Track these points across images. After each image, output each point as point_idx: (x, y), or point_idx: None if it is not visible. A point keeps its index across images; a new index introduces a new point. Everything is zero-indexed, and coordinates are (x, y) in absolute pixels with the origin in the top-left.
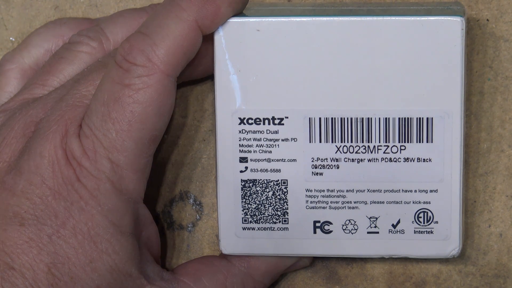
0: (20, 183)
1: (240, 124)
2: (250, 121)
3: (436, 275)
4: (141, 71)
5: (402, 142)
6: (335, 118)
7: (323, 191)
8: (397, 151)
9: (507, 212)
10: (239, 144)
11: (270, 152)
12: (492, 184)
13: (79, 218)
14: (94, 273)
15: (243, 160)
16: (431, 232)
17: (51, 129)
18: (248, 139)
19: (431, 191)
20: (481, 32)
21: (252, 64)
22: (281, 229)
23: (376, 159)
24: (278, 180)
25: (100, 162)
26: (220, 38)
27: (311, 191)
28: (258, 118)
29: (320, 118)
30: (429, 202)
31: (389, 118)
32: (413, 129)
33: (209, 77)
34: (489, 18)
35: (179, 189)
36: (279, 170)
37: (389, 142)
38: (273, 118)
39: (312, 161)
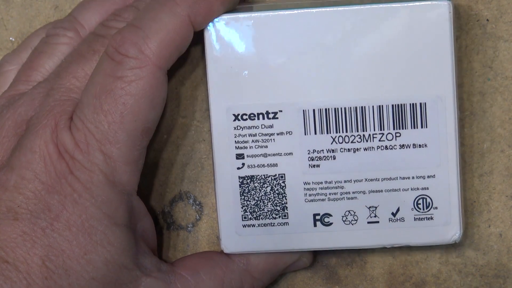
0: (12, 179)
1: (234, 120)
2: (244, 116)
3: (436, 275)
4: (133, 63)
5: (397, 129)
6: (328, 109)
7: (321, 183)
8: (392, 138)
9: (507, 212)
10: (235, 141)
11: (266, 147)
12: (492, 184)
13: (72, 210)
14: (89, 265)
15: (239, 156)
16: (431, 219)
17: (41, 124)
18: (244, 135)
19: (428, 176)
20: (481, 32)
21: (243, 59)
22: (281, 224)
23: (372, 147)
24: (276, 174)
25: (93, 154)
26: (210, 35)
27: (309, 184)
28: (252, 114)
29: (314, 110)
30: (427, 188)
31: (382, 105)
32: (407, 115)
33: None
34: (489, 18)
35: (179, 189)
36: (276, 165)
37: (384, 130)
38: (267, 113)
39: (308, 153)
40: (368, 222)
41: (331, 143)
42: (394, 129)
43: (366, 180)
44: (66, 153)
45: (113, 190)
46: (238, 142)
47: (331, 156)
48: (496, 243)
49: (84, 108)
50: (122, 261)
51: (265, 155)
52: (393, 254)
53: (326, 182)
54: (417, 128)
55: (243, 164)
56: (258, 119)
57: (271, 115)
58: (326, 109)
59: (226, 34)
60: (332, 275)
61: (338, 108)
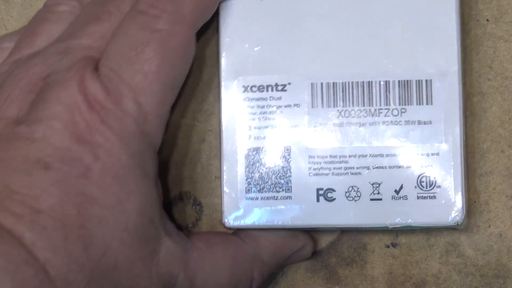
0: (39, 130)
1: (244, 92)
2: (253, 88)
3: (436, 275)
4: (172, 18)
5: (402, 105)
6: (336, 82)
7: (326, 157)
8: (397, 114)
9: (507, 212)
10: (243, 113)
11: (274, 119)
12: (492, 184)
13: (106, 159)
14: (122, 214)
15: (247, 128)
16: (434, 197)
17: (66, 77)
18: (252, 107)
19: (432, 154)
20: (481, 32)
21: (255, 33)
22: (285, 198)
23: (378, 122)
24: (281, 147)
25: (126, 104)
26: (224, 8)
27: (313, 157)
28: (261, 85)
29: (322, 83)
30: (431, 166)
31: (389, 81)
32: (413, 91)
33: (208, 78)
34: (489, 18)
35: (179, 189)
36: (282, 137)
37: (389, 105)
38: (276, 85)
39: (314, 126)
40: (371, 199)
41: (337, 117)
42: (399, 104)
43: (370, 155)
44: (97, 103)
45: (145, 141)
46: (246, 113)
47: (336, 130)
48: (496, 243)
49: (117, 59)
50: (151, 215)
51: (272, 127)
52: (393, 254)
53: (331, 156)
54: (422, 104)
55: (250, 136)
56: (267, 91)
57: (279, 87)
58: (334, 83)
59: (239, 7)
60: (332, 275)
61: (345, 82)
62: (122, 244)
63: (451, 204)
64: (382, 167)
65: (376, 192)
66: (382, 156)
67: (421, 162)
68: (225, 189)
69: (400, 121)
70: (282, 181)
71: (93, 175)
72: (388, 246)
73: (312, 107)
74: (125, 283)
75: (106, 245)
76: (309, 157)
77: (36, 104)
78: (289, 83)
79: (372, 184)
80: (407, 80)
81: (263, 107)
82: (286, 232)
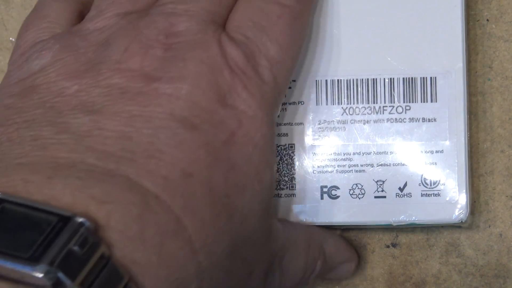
0: (184, 88)
1: None
2: None
3: (436, 275)
4: None
5: (407, 102)
6: (341, 80)
7: (330, 154)
8: (402, 111)
9: (507, 212)
10: None
11: (278, 116)
12: (492, 184)
13: (249, 127)
14: (259, 186)
15: None
16: (438, 195)
17: (204, 38)
18: None
19: (436, 151)
20: (481, 32)
21: None
22: (288, 195)
23: (382, 120)
24: (286, 144)
25: (265, 73)
26: None
27: (317, 154)
28: None
29: (326, 81)
30: (435, 163)
31: (393, 78)
32: (417, 89)
33: None
34: (489, 18)
35: None
36: (286, 134)
37: (394, 103)
38: None
39: (319, 123)
40: (375, 197)
41: (342, 114)
42: (404, 102)
43: (374, 153)
44: (238, 68)
45: (277, 114)
46: None
47: (341, 127)
48: (496, 243)
49: (251, 27)
50: (273, 190)
51: (276, 125)
52: (393, 254)
53: (335, 153)
54: (426, 102)
55: None
56: None
57: None
58: (338, 80)
59: None
60: None
61: (350, 79)
62: (255, 217)
63: (455, 202)
64: (386, 165)
65: (380, 189)
66: (386, 153)
67: (425, 159)
68: None
69: (405, 118)
70: (286, 179)
71: (237, 141)
72: (388, 246)
73: (316, 104)
74: (249, 259)
75: (244, 217)
76: (313, 155)
77: (172, 61)
78: (294, 80)
79: (376, 182)
80: (412, 77)
81: None
82: (343, 239)
